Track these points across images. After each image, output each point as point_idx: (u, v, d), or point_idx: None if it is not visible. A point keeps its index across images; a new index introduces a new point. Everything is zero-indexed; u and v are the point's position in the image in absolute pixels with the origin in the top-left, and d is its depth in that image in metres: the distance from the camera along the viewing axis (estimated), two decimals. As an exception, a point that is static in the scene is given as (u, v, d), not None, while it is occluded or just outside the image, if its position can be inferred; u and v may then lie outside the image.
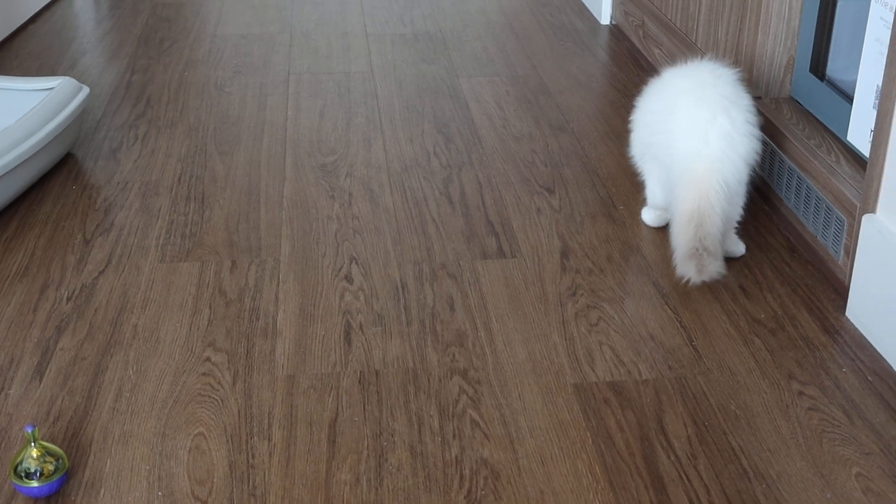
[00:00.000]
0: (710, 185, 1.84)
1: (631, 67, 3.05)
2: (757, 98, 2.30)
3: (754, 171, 1.94)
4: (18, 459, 1.44)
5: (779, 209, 2.15)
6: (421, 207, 2.23)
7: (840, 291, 1.90)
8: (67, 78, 2.46)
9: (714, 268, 1.84)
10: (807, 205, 2.03)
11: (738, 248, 2.02)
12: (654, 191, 2.09)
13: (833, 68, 2.15)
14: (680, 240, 1.86)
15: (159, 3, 3.74)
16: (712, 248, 1.83)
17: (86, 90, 2.48)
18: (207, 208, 2.23)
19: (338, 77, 2.99)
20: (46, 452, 1.44)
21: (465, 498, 1.44)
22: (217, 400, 1.63)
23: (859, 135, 1.94)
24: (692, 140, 1.87)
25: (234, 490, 1.45)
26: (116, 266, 2.01)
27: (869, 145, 1.86)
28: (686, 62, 2.02)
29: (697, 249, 1.83)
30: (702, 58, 2.03)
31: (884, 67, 1.75)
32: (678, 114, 1.91)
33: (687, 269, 1.85)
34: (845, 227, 1.88)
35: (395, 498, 1.44)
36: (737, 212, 1.95)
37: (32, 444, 1.43)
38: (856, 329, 1.81)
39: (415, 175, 2.38)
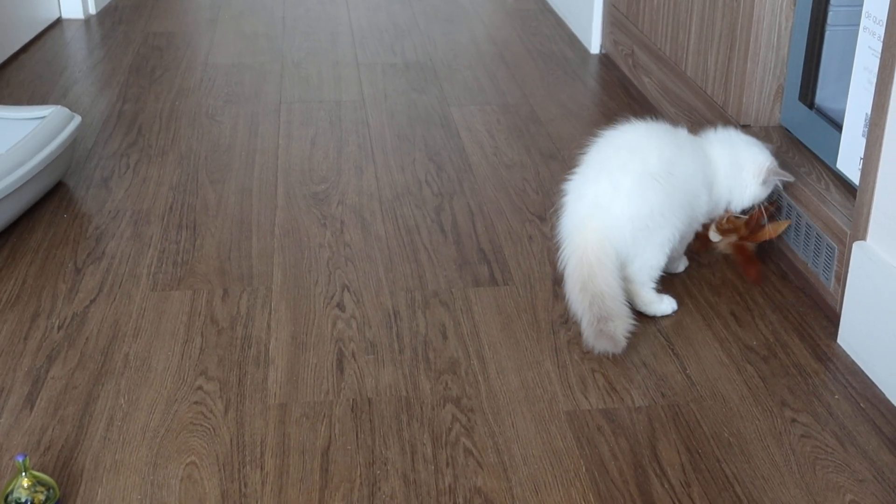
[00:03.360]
0: (594, 250, 1.81)
1: (621, 96, 3.06)
2: (745, 126, 2.31)
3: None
4: (9, 489, 1.43)
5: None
6: (413, 235, 2.23)
7: (831, 318, 1.91)
8: (59, 107, 2.46)
9: (621, 328, 1.77)
10: (797, 232, 2.04)
11: (680, 265, 2.06)
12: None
13: (822, 97, 2.17)
14: (577, 309, 1.81)
15: (150, 33, 3.75)
16: (609, 311, 1.77)
17: (77, 119, 2.48)
18: (199, 236, 2.22)
19: (329, 106, 3.00)
20: (37, 482, 1.43)
21: (458, 526, 1.43)
22: (209, 428, 1.63)
23: (849, 162, 1.95)
24: (577, 204, 1.87)
25: (227, 519, 1.45)
26: (108, 294, 2.00)
27: (858, 173, 1.87)
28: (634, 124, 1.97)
29: (599, 320, 1.76)
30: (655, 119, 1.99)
31: (872, 96, 1.77)
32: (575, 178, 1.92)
33: (602, 345, 1.78)
34: (836, 255, 1.89)
35: (388, 527, 1.43)
36: (647, 267, 1.89)
37: (23, 473, 1.42)
38: (847, 356, 1.81)
39: (406, 203, 2.38)
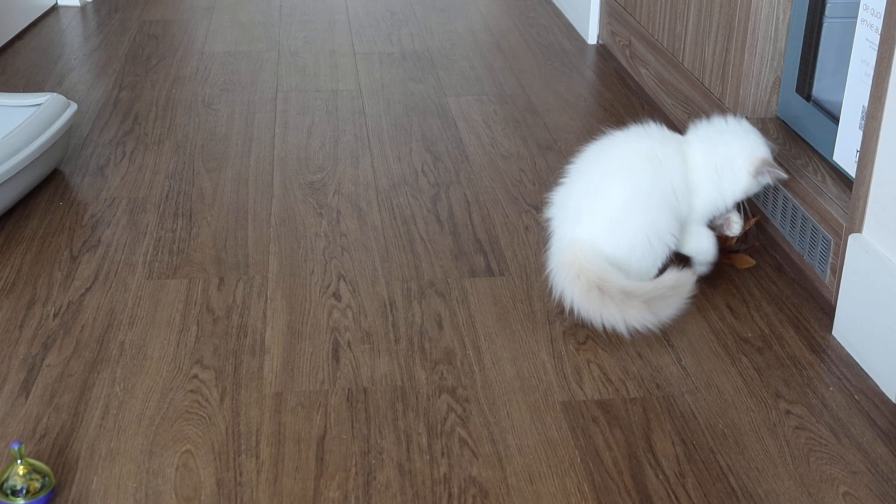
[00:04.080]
0: (581, 255, 1.82)
1: (618, 87, 3.06)
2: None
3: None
4: (4, 476, 1.43)
5: (765, 228, 2.16)
6: (409, 225, 2.23)
7: (827, 310, 1.91)
8: (55, 94, 2.46)
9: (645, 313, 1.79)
10: (793, 224, 2.04)
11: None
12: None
13: (819, 89, 2.17)
14: (564, 288, 1.82)
15: (146, 21, 3.74)
16: (621, 291, 1.78)
17: (73, 107, 2.48)
18: (195, 225, 2.22)
19: (325, 95, 3.00)
20: (33, 469, 1.43)
21: (453, 516, 1.44)
22: (204, 417, 1.63)
23: (845, 155, 1.95)
24: (562, 227, 1.89)
25: (222, 508, 1.45)
26: (103, 283, 2.00)
27: (855, 165, 1.87)
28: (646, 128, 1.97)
29: (621, 297, 1.77)
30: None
31: (870, 88, 1.77)
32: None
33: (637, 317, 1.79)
34: (832, 247, 1.89)
35: (383, 516, 1.44)
36: (638, 278, 1.88)
37: (19, 461, 1.42)
38: (842, 348, 1.82)
39: (403, 193, 2.38)
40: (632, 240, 1.85)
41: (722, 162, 1.92)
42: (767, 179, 1.94)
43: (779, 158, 2.10)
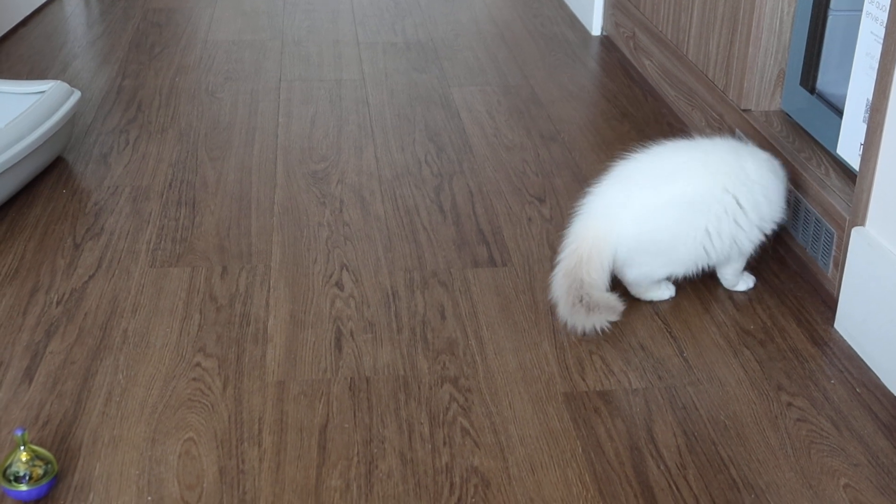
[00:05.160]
0: (589, 245, 1.80)
1: (622, 78, 3.06)
2: (746, 111, 2.31)
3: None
4: (7, 463, 1.43)
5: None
6: (412, 215, 2.23)
7: (829, 303, 1.91)
8: (58, 82, 2.46)
9: (600, 297, 1.78)
10: (796, 217, 2.04)
11: (742, 283, 1.97)
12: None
13: (823, 82, 2.17)
14: (557, 293, 1.82)
15: (150, 9, 3.74)
16: (587, 295, 1.78)
17: (77, 94, 2.48)
18: (198, 214, 2.22)
19: (329, 84, 3.00)
20: (36, 456, 1.44)
21: (455, 505, 1.44)
22: (207, 405, 1.63)
23: (849, 148, 1.95)
24: (592, 204, 1.86)
25: (224, 495, 1.45)
26: (106, 270, 2.00)
27: (858, 158, 1.87)
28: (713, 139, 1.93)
29: (576, 298, 1.78)
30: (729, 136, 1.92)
31: (874, 81, 1.77)
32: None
33: (578, 319, 1.78)
34: (835, 240, 1.89)
35: (385, 505, 1.44)
36: (645, 276, 1.88)
37: (22, 447, 1.43)
38: (844, 341, 1.82)
39: (406, 183, 2.38)
40: (652, 241, 1.82)
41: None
42: None
43: (780, 149, 2.10)
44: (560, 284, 1.81)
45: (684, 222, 1.82)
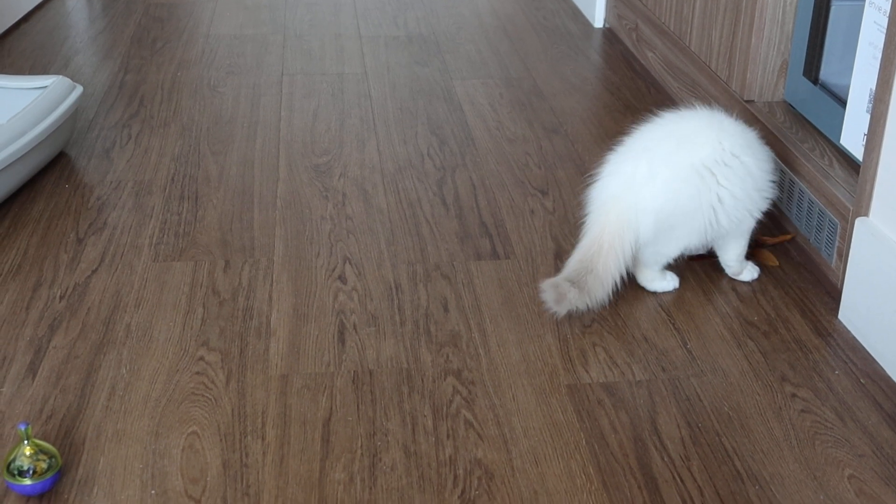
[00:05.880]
0: (611, 232, 1.79)
1: (624, 70, 3.05)
2: (749, 101, 2.31)
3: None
4: (11, 457, 1.43)
5: (772, 212, 2.15)
6: (415, 208, 2.23)
7: (833, 294, 1.91)
8: (61, 77, 2.45)
9: (574, 297, 1.77)
10: (800, 208, 2.03)
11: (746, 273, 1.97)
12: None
13: (826, 72, 2.16)
14: (566, 269, 1.82)
15: (152, 3, 3.73)
16: (583, 283, 1.77)
17: (79, 89, 2.48)
18: (201, 208, 2.22)
19: (331, 78, 2.99)
20: (39, 450, 1.44)
21: (458, 498, 1.44)
22: (211, 399, 1.63)
23: (852, 138, 1.95)
24: (610, 179, 1.85)
25: (228, 489, 1.45)
26: (109, 265, 2.00)
27: (862, 149, 1.86)
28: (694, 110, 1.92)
29: (566, 280, 1.78)
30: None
31: (877, 71, 1.76)
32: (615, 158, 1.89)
33: (546, 295, 1.78)
34: (838, 231, 1.88)
35: (388, 497, 1.44)
36: (659, 254, 1.88)
37: (25, 441, 1.43)
38: (848, 332, 1.81)
39: (408, 176, 2.38)
40: (673, 214, 1.81)
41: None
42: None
43: (783, 139, 2.10)
44: (571, 264, 1.81)
45: (704, 188, 1.81)
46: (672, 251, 1.88)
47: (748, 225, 1.89)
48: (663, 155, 1.82)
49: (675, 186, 1.80)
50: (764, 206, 1.89)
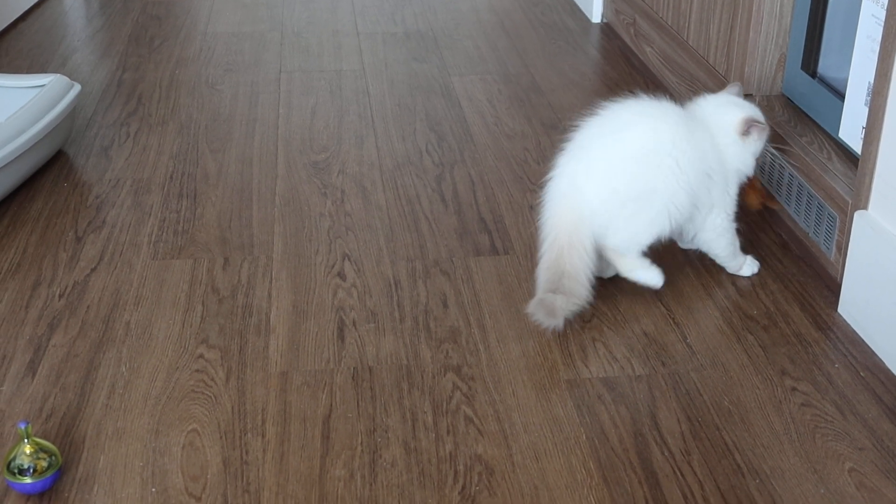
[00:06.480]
0: (567, 231, 1.78)
1: (623, 66, 3.05)
2: (748, 95, 2.31)
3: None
4: (11, 456, 1.43)
5: (771, 211, 2.15)
6: (413, 205, 2.23)
7: (832, 288, 1.91)
8: (59, 75, 2.45)
9: (562, 304, 1.75)
10: (799, 202, 2.03)
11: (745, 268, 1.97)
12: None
13: (825, 65, 2.16)
14: (539, 281, 1.80)
15: (149, 1, 3.73)
16: (562, 287, 1.75)
17: (77, 87, 2.47)
18: (200, 205, 2.22)
19: (329, 75, 2.99)
20: (40, 449, 1.44)
21: (459, 494, 1.44)
22: (210, 396, 1.63)
23: (851, 132, 1.95)
24: (557, 181, 1.84)
25: (228, 486, 1.45)
26: (109, 263, 2.00)
27: (860, 142, 1.86)
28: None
29: (546, 291, 1.75)
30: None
31: (875, 64, 1.76)
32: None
33: (538, 314, 1.75)
34: (837, 224, 1.88)
35: (389, 494, 1.44)
36: (630, 242, 1.84)
37: (25, 440, 1.43)
38: (848, 325, 1.81)
39: (407, 172, 2.38)
40: (622, 200, 1.79)
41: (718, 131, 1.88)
42: (757, 139, 1.89)
43: (781, 133, 2.09)
44: (542, 275, 1.78)
45: (652, 166, 1.79)
46: (644, 236, 1.83)
47: (724, 200, 1.88)
48: (599, 149, 1.82)
49: (614, 181, 1.79)
50: (728, 183, 1.88)
